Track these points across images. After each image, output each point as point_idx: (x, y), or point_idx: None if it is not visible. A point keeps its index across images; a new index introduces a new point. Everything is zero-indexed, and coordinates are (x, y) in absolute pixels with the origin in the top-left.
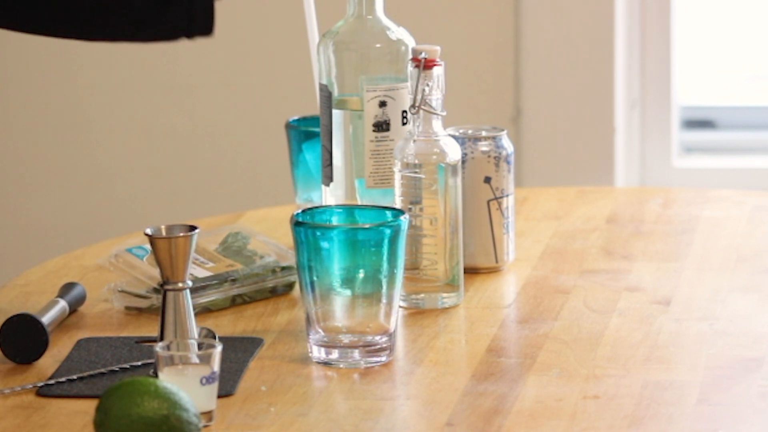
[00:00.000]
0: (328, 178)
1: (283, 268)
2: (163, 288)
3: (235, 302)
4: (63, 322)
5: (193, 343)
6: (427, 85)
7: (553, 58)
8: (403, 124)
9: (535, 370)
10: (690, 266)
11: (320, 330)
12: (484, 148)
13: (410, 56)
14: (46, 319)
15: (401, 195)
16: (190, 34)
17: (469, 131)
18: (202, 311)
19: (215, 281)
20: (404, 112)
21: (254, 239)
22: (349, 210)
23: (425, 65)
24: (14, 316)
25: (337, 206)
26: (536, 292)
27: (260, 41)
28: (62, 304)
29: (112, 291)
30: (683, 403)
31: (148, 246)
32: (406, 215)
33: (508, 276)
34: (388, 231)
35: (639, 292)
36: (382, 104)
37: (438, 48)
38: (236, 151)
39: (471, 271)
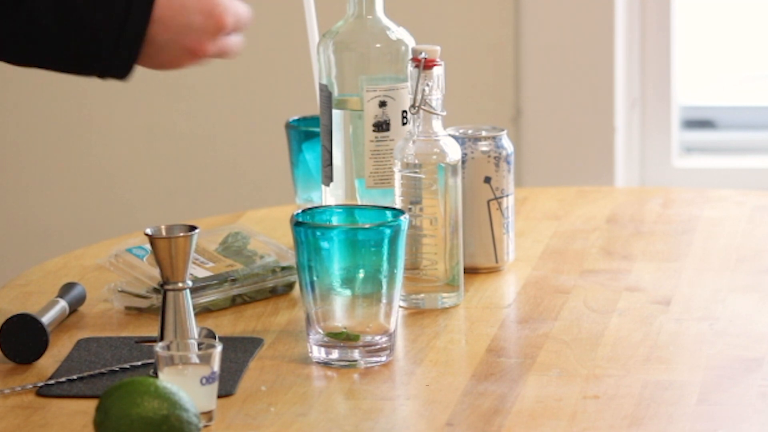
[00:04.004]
0: (328, 178)
1: (283, 268)
2: (163, 288)
3: (235, 302)
4: (63, 322)
5: (193, 343)
6: (427, 85)
7: (553, 58)
8: (403, 124)
9: (535, 370)
10: (690, 266)
11: (320, 330)
12: (484, 148)
13: (410, 56)
14: (46, 319)
15: (401, 195)
16: (103, 75)
17: (469, 131)
18: (202, 311)
19: (215, 281)
20: (404, 112)
21: (254, 239)
22: (349, 210)
23: (425, 65)
24: (14, 316)
25: (337, 206)
26: (536, 292)
27: (260, 41)
28: (62, 304)
29: (112, 291)
30: (683, 403)
31: (148, 246)
32: (406, 215)
33: (508, 276)
34: (388, 231)
35: (639, 292)
36: (382, 104)
37: (438, 48)
38: (236, 151)
39: (471, 271)
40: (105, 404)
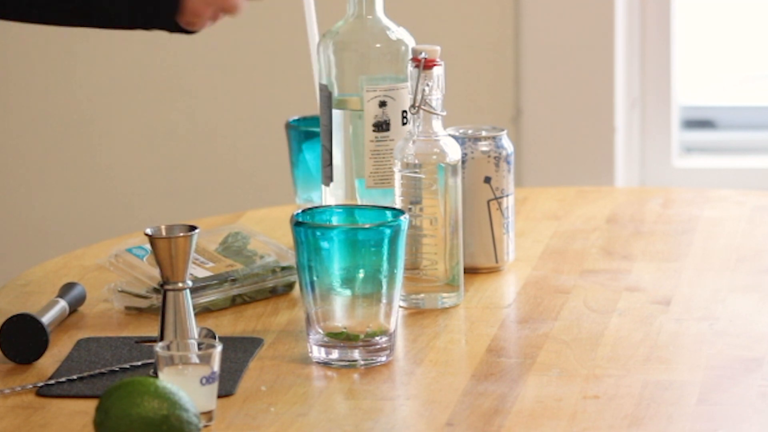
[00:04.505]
0: (328, 178)
1: (283, 268)
2: (163, 288)
3: (235, 302)
4: (63, 322)
5: (193, 343)
6: (427, 85)
7: (553, 58)
8: (403, 124)
9: (535, 370)
10: (690, 266)
11: (320, 330)
12: (484, 148)
13: (410, 56)
14: (46, 319)
15: (401, 195)
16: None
17: (469, 131)
18: (202, 311)
19: (215, 281)
20: (404, 112)
21: (254, 239)
22: (349, 210)
23: (425, 65)
24: (14, 316)
25: (337, 206)
26: (536, 292)
27: (260, 41)
28: (62, 304)
29: (112, 291)
30: (683, 403)
31: (148, 246)
32: (406, 215)
33: (508, 276)
34: (388, 231)
35: (639, 292)
36: (382, 104)
37: (438, 48)
38: (236, 151)
39: (471, 271)
40: (105, 404)
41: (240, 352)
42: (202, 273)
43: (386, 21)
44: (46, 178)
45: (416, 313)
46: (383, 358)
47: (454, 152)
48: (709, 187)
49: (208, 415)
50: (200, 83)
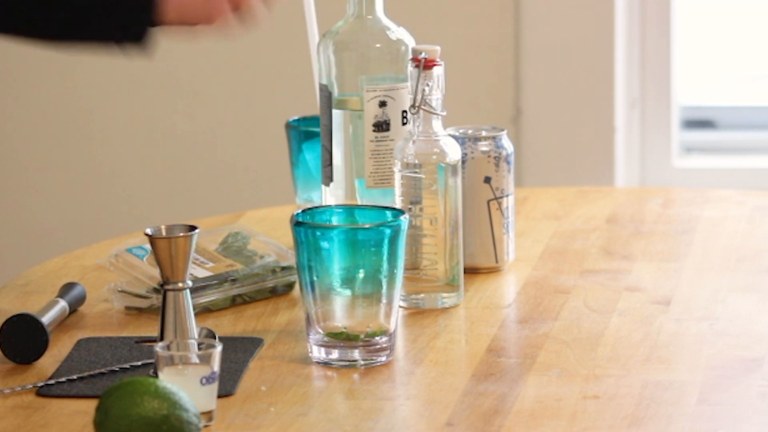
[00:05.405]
0: (328, 178)
1: (283, 268)
2: (163, 288)
3: (235, 302)
4: (63, 322)
5: (193, 343)
6: (427, 85)
7: (553, 58)
8: (403, 124)
9: (535, 370)
10: (690, 266)
11: (320, 330)
12: (484, 148)
13: (410, 56)
14: (46, 319)
15: (401, 195)
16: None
17: (469, 131)
18: (202, 311)
19: (215, 281)
20: (404, 112)
21: (254, 239)
22: (349, 210)
23: (425, 65)
24: (14, 316)
25: (337, 206)
26: (536, 292)
27: (260, 41)
28: (62, 304)
29: (112, 291)
30: (683, 403)
31: (148, 246)
32: (406, 215)
33: (508, 276)
34: (388, 231)
35: (639, 292)
36: (382, 104)
37: (438, 48)
38: (236, 151)
39: (471, 271)
40: (105, 404)
41: (240, 352)
42: (202, 273)
43: (386, 21)
44: (46, 178)
45: (416, 313)
46: (383, 358)
47: (454, 152)
48: (709, 187)
49: (208, 415)
50: (200, 83)
